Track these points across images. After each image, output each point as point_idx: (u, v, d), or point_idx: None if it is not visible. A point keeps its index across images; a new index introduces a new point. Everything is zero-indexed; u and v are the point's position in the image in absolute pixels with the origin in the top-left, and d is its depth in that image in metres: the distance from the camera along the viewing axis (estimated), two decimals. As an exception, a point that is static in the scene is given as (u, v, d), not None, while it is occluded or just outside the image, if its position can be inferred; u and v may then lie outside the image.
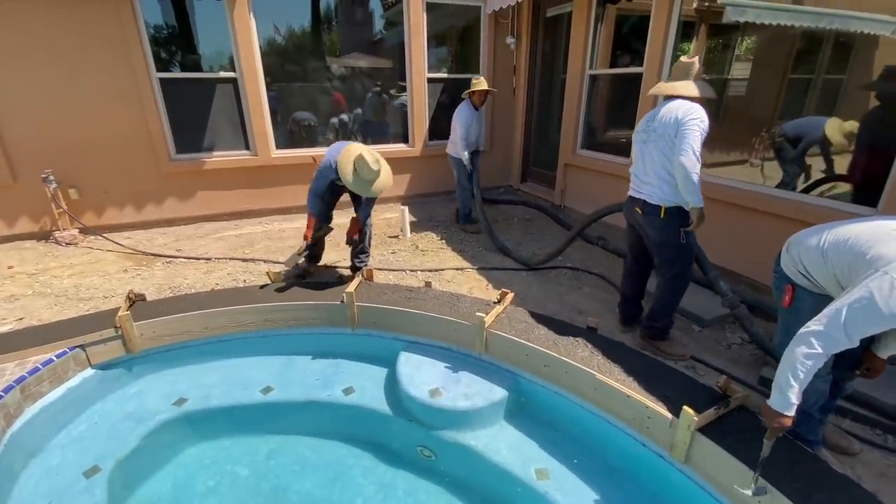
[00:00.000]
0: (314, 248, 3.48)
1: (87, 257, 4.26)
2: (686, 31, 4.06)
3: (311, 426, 2.62)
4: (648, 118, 2.56)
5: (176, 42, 4.86)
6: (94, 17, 4.31)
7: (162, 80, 4.72)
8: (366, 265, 3.56)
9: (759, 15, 3.48)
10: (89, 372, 2.69)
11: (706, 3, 3.80)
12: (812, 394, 1.83)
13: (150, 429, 2.45)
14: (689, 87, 2.40)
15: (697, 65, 2.44)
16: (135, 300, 2.96)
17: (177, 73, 4.83)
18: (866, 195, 2.87)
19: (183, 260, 4.15)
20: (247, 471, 2.38)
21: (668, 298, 2.64)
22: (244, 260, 4.12)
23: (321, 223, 3.36)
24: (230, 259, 4.14)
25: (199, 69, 4.95)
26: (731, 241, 3.52)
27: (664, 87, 2.50)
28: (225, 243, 4.61)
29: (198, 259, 4.16)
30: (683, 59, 2.50)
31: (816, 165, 3.37)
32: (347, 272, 3.62)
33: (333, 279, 3.42)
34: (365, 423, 2.60)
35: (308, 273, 3.45)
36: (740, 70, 4.04)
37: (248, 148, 5.30)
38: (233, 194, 5.36)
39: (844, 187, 3.24)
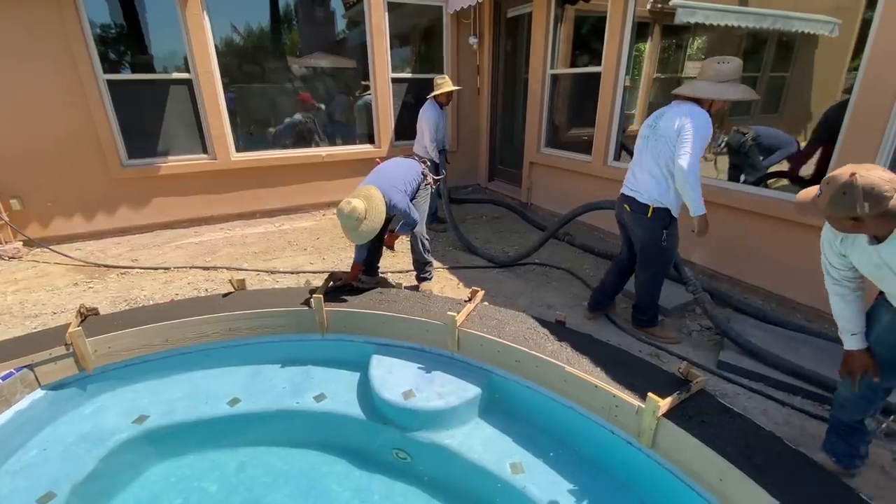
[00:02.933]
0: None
1: (32, 271, 4.00)
2: (641, 31, 4.21)
3: (282, 436, 2.55)
4: (656, 116, 2.53)
5: (125, 42, 4.64)
6: (33, 15, 4.05)
7: (110, 81, 4.50)
8: (431, 276, 3.51)
9: (707, 16, 3.66)
10: (39, 393, 2.53)
11: (659, 5, 3.96)
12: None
13: (108, 450, 2.32)
14: (699, 88, 2.36)
15: (725, 66, 2.31)
16: (87, 315, 2.80)
17: (126, 75, 4.61)
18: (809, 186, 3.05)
19: (139, 270, 3.97)
20: (215, 486, 2.29)
21: (648, 293, 2.77)
22: (205, 268, 3.98)
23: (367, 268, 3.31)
24: (190, 268, 3.99)
25: (152, 70, 4.74)
26: (689, 231, 3.66)
27: (680, 89, 2.46)
28: (184, 251, 4.43)
29: (155, 269, 3.98)
30: (709, 61, 2.37)
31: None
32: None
33: (300, 284, 3.34)
34: (338, 429, 2.56)
35: (352, 284, 3.16)
36: (693, 69, 4.23)
37: (206, 151, 5.12)
38: (191, 200, 5.16)
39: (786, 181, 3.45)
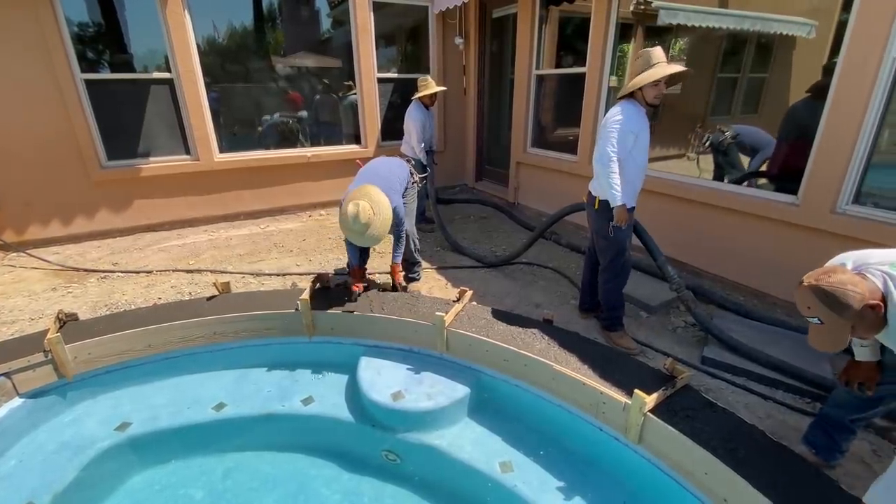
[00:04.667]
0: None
1: (8, 276, 3.89)
2: (624, 32, 4.25)
3: (270, 440, 2.52)
4: None
5: (103, 41, 4.53)
6: (6, 13, 3.93)
7: (88, 81, 4.39)
8: (419, 276, 3.48)
9: (688, 17, 3.73)
10: (17, 402, 2.46)
11: (641, 6, 4.01)
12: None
13: (89, 458, 2.27)
14: (628, 86, 2.51)
15: (639, 59, 2.46)
16: (66, 320, 2.73)
17: (105, 74, 4.50)
18: (788, 185, 3.12)
19: (120, 274, 3.88)
20: (202, 493, 2.25)
21: (606, 290, 2.79)
22: (189, 271, 3.91)
23: (358, 267, 3.12)
24: (173, 271, 3.92)
25: (131, 69, 4.63)
26: (672, 230, 3.72)
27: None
28: (167, 254, 4.35)
29: (137, 273, 3.90)
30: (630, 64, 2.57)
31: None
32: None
33: (286, 286, 3.31)
34: (326, 432, 2.54)
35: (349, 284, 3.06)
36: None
37: (188, 152, 5.03)
38: (174, 202, 5.07)
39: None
